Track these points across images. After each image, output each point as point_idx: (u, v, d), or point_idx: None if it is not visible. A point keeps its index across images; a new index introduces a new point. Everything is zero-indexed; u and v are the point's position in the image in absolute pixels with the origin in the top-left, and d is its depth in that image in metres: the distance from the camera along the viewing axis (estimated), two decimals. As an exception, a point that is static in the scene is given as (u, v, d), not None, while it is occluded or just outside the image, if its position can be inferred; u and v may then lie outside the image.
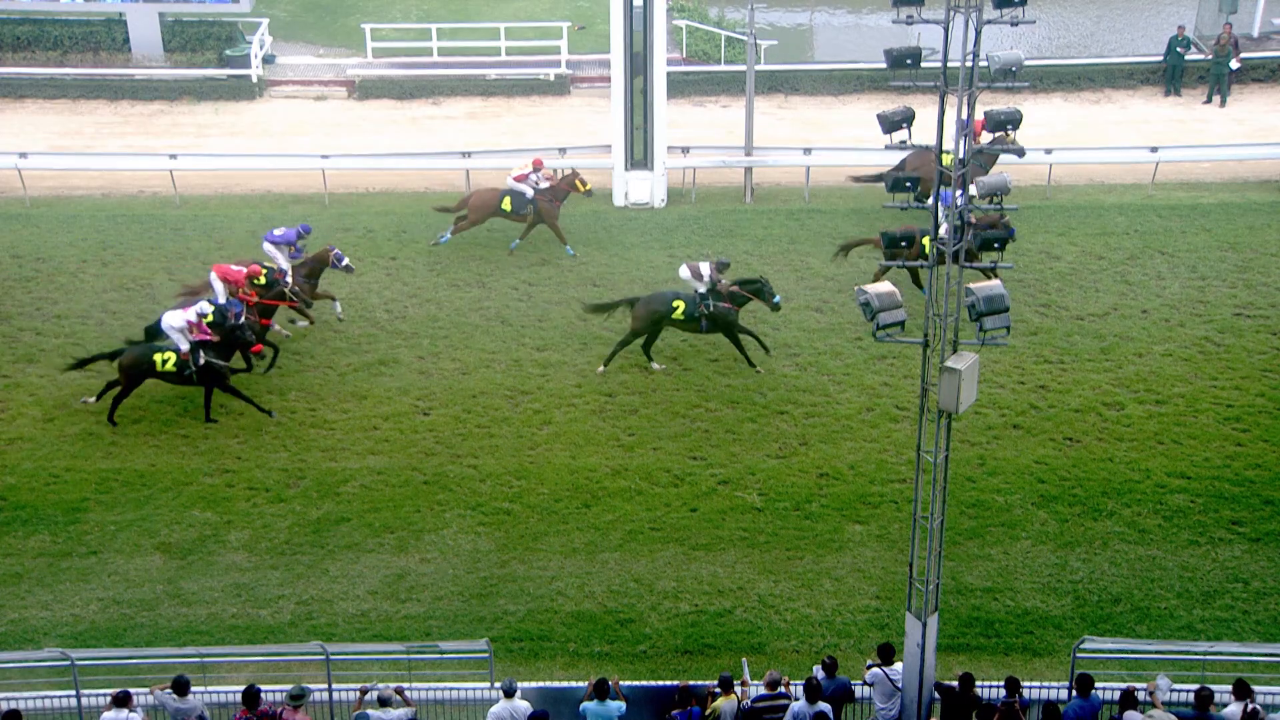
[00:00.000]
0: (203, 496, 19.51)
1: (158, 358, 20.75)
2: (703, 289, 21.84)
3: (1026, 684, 15.20)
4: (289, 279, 22.68)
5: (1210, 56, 32.25)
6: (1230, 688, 14.50)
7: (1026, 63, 13.85)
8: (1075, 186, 28.40)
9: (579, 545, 18.54)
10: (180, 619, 17.36)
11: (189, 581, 17.98)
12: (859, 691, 15.23)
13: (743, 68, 29.96)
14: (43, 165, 28.66)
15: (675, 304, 21.74)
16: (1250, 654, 15.85)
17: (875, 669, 15.04)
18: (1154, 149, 28.37)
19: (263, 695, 14.52)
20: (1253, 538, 18.44)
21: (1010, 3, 12.84)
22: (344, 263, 23.39)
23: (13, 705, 15.18)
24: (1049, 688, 15.51)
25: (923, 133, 13.59)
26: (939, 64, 13.02)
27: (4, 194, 28.47)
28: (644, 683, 15.97)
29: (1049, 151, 27.77)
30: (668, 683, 15.78)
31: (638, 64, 26.94)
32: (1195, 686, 14.55)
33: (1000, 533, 18.63)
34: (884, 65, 13.56)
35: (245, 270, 22.14)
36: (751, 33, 28.62)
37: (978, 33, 12.85)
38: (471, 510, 19.19)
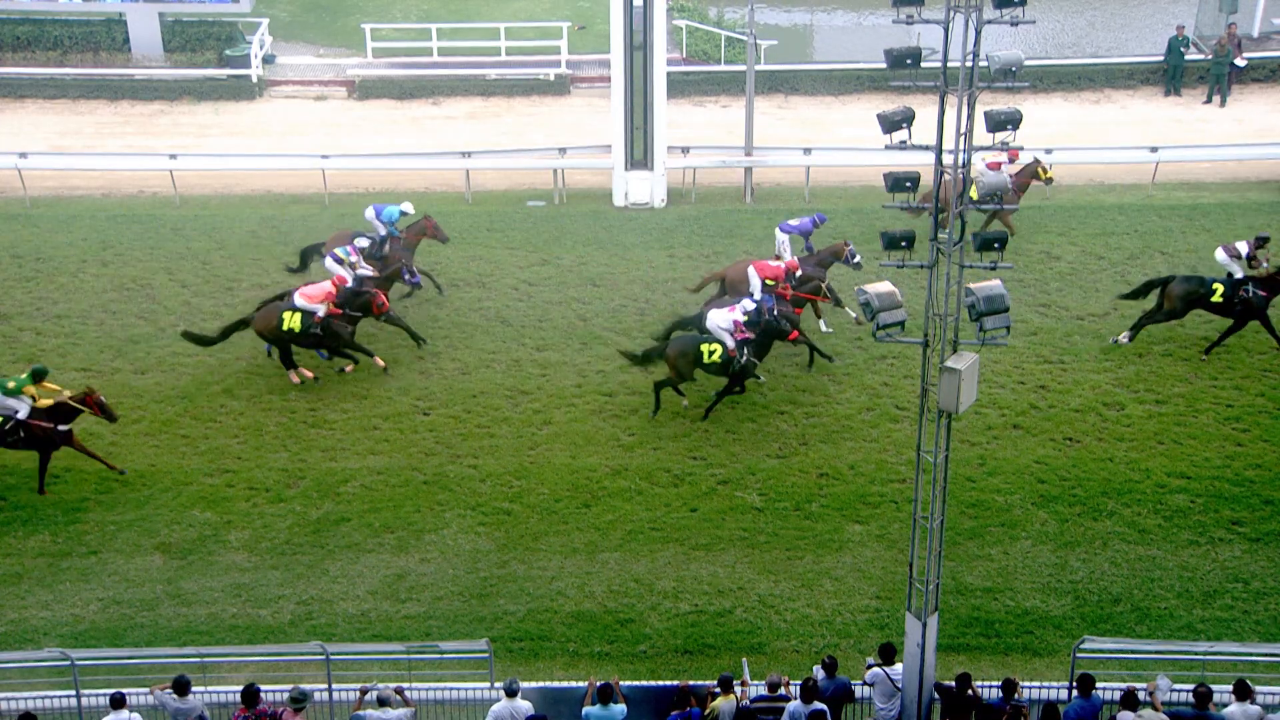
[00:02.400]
0: (203, 496, 19.51)
1: (704, 348, 20.67)
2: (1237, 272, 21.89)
3: (1026, 684, 15.22)
4: (798, 271, 22.52)
5: (1210, 56, 32.25)
6: (1230, 688, 14.50)
7: (1026, 63, 13.84)
8: (1075, 186, 28.40)
9: (579, 545, 18.54)
10: (180, 619, 17.35)
11: (189, 581, 17.98)
12: (859, 691, 15.23)
13: (743, 68, 29.96)
14: (43, 165, 28.67)
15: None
16: (1250, 654, 15.85)
17: (876, 669, 15.04)
18: (1154, 149, 28.38)
19: (263, 695, 14.53)
20: (1253, 538, 18.44)
21: (1010, 3, 12.85)
22: (856, 259, 23.22)
23: (13, 705, 15.19)
24: (1049, 688, 15.53)
25: (922, 133, 13.59)
26: (939, 64, 13.02)
27: (4, 194, 28.47)
28: (644, 683, 15.98)
29: (1049, 151, 27.75)
30: (668, 683, 15.79)
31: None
32: (1194, 685, 14.54)
33: (1000, 533, 18.63)
34: (884, 65, 13.56)
35: (784, 265, 22.16)
36: (751, 33, 28.63)
37: (978, 33, 12.85)
38: (471, 510, 19.19)
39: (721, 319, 20.86)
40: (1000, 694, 14.69)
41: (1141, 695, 14.53)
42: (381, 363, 22.04)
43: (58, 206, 28.13)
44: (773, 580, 17.88)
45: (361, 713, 14.45)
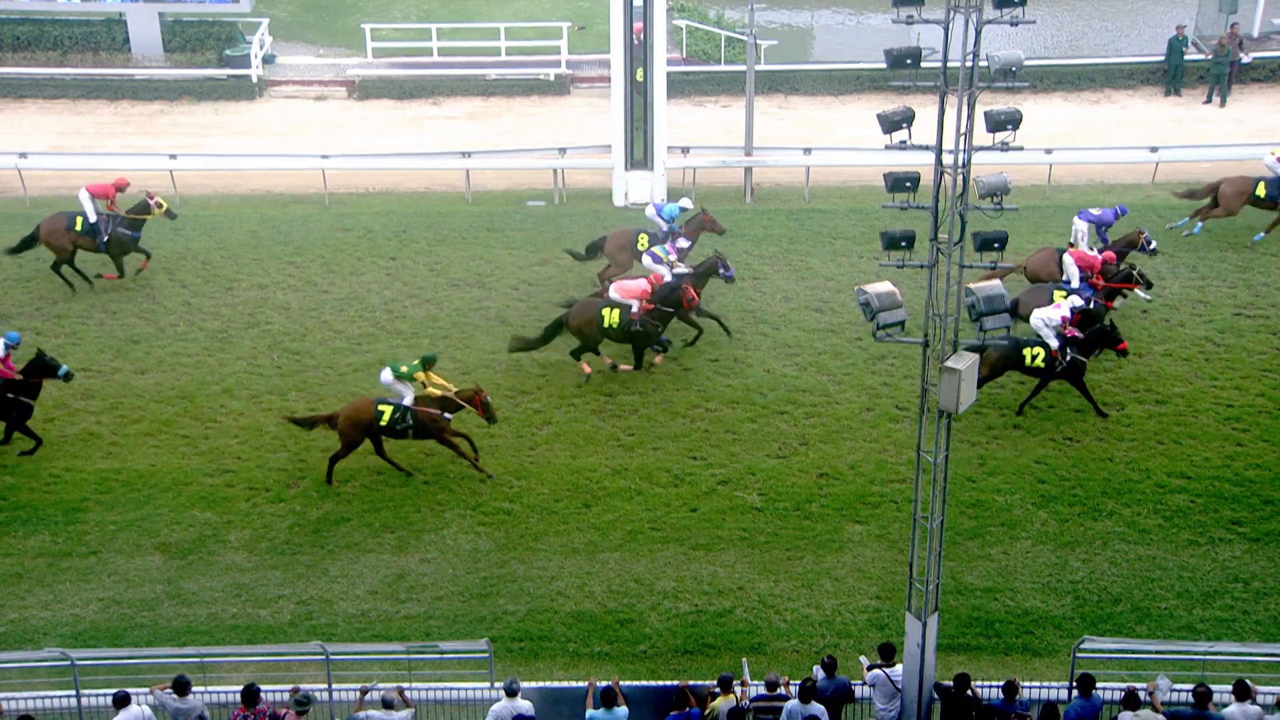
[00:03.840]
0: (203, 496, 19.51)
1: (1027, 353, 20.39)
2: None
3: (1026, 684, 15.21)
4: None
5: (1210, 56, 32.25)
6: (1230, 687, 14.50)
7: (1026, 63, 13.84)
8: (1075, 186, 28.40)
9: (579, 545, 18.54)
10: (180, 619, 17.35)
11: (189, 581, 17.98)
12: (859, 691, 15.23)
13: (743, 68, 29.96)
14: (43, 165, 28.65)
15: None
16: (1250, 654, 15.86)
17: (876, 670, 15.04)
18: (1154, 149, 28.37)
19: (263, 695, 14.53)
20: (1253, 538, 18.44)
21: (1010, 3, 12.85)
22: (1153, 245, 23.16)
23: (13, 705, 15.19)
24: (1049, 688, 15.53)
25: (922, 133, 13.59)
26: (939, 64, 13.02)
27: (4, 194, 28.47)
28: (644, 683, 15.99)
29: (1049, 151, 27.77)
30: (668, 683, 15.79)
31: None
32: (1194, 685, 14.55)
33: (1000, 533, 18.63)
34: (884, 65, 13.56)
35: (1101, 257, 22.09)
36: (751, 33, 28.63)
37: (978, 33, 12.85)
38: (471, 510, 19.19)
39: (1049, 316, 20.48)
40: (1001, 695, 14.70)
41: (1141, 695, 14.54)
42: (658, 360, 22.09)
43: (58, 206, 28.03)
44: (773, 580, 17.88)
45: (363, 714, 14.45)
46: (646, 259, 23.14)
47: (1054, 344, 20.38)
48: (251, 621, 17.31)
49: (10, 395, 19.88)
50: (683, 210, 24.58)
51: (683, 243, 23.75)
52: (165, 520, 19.06)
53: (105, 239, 24.42)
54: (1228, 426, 20.60)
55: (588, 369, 21.88)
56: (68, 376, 20.37)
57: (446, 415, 19.60)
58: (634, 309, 21.65)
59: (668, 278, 22.54)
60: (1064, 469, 19.77)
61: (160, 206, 24.74)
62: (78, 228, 24.38)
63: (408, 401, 19.56)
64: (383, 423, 19.51)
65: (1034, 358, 20.42)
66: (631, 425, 20.82)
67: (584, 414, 21.10)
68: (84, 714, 15.33)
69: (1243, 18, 33.40)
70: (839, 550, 18.37)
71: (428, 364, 19.83)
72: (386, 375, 19.77)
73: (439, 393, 19.65)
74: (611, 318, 21.65)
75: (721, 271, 23.00)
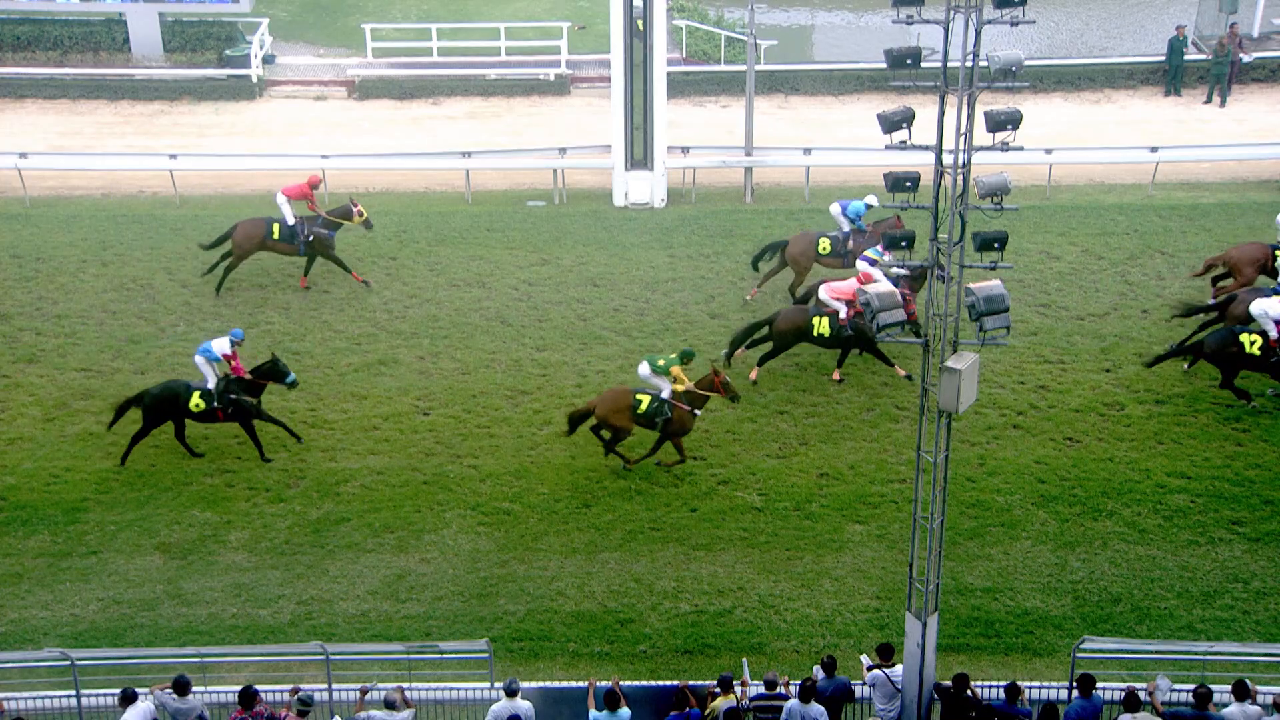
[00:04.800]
0: (203, 496, 19.51)
1: (1245, 339, 20.39)
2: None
3: (1026, 684, 15.20)
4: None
5: (1210, 56, 32.25)
6: (1230, 687, 14.50)
7: (1026, 63, 13.84)
8: (1075, 186, 28.40)
9: (579, 545, 18.54)
10: (180, 619, 17.35)
11: (189, 581, 17.98)
12: (859, 691, 15.23)
13: (743, 68, 29.96)
14: (43, 165, 28.66)
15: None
16: (1250, 654, 15.86)
17: (876, 670, 15.03)
18: (1154, 149, 28.37)
19: (262, 696, 14.53)
20: (1253, 538, 18.44)
21: (1010, 3, 12.85)
22: None
23: (13, 705, 15.19)
24: (1049, 688, 15.53)
25: (922, 133, 13.59)
26: (939, 64, 13.03)
27: (4, 194, 28.47)
28: (644, 683, 15.99)
29: (1049, 151, 27.77)
30: (668, 683, 15.79)
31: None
32: (1195, 686, 14.55)
33: (1000, 533, 18.63)
34: (884, 65, 13.57)
35: None
36: (751, 33, 28.62)
37: (978, 33, 12.85)
38: (471, 510, 19.19)
39: (1271, 307, 20.36)
40: (1003, 695, 14.69)
41: (1141, 695, 14.54)
42: (903, 371, 21.76)
43: (58, 206, 28.13)
44: (773, 580, 17.88)
45: (364, 714, 14.44)
46: (860, 262, 22.50)
47: (1274, 334, 20.35)
48: (251, 621, 17.31)
49: (233, 396, 19.95)
50: (868, 208, 23.98)
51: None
52: (165, 520, 19.06)
53: (306, 239, 24.35)
54: (1228, 426, 20.59)
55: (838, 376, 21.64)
56: (293, 384, 20.44)
57: (695, 412, 19.55)
58: (842, 314, 21.31)
59: (880, 280, 21.69)
60: (1064, 469, 19.77)
61: (361, 215, 24.63)
62: (275, 234, 24.35)
63: (665, 395, 19.48)
64: (639, 411, 19.45)
65: (1252, 344, 20.47)
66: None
67: (584, 414, 21.10)
68: (84, 714, 15.33)
69: (1243, 18, 33.41)
70: (839, 550, 18.37)
71: (686, 358, 19.75)
72: (645, 369, 19.67)
73: (682, 388, 19.51)
74: (821, 326, 21.32)
75: (938, 274, 22.44)
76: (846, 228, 23.93)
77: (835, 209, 24.26)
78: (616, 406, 19.61)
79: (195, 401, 19.85)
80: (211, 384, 19.99)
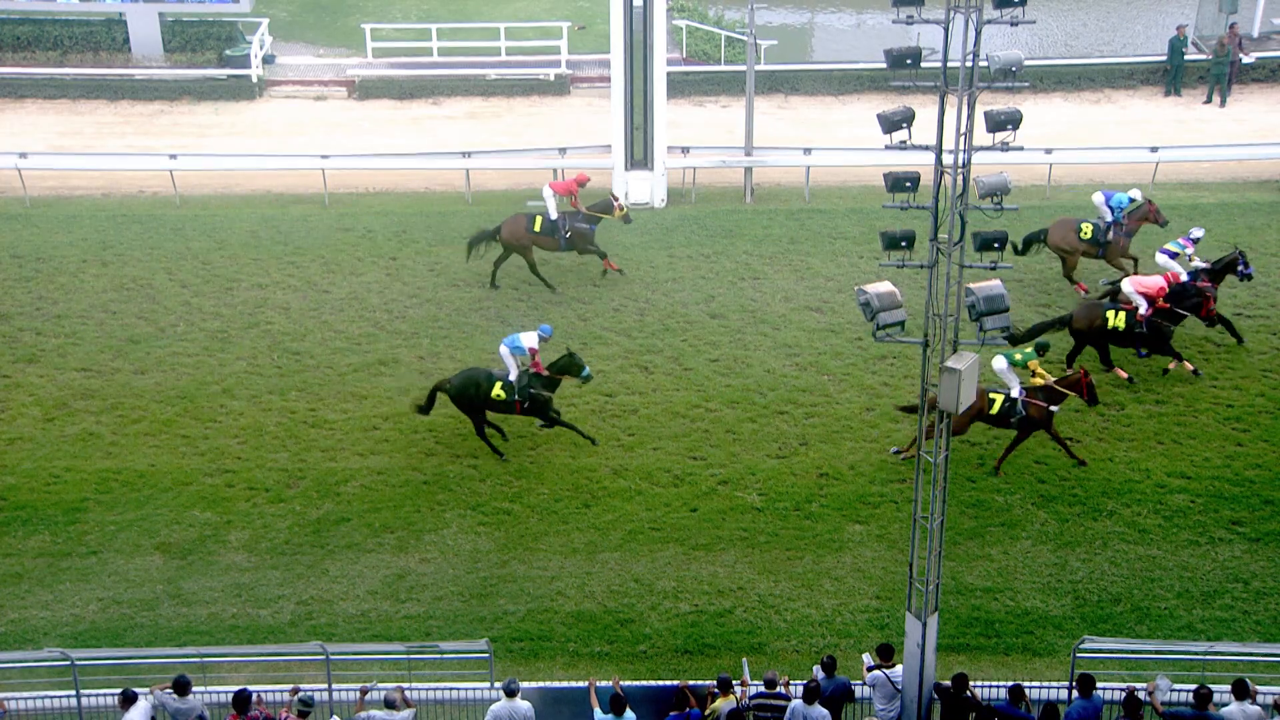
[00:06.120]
0: (203, 496, 19.51)
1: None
2: None
3: (1026, 684, 15.19)
4: None
5: (1210, 56, 32.25)
6: (1229, 687, 14.49)
7: (1026, 63, 13.84)
8: (1075, 186, 28.37)
9: (579, 545, 18.54)
10: (180, 619, 17.36)
11: (189, 581, 17.98)
12: (859, 691, 15.23)
13: (743, 68, 29.95)
14: (43, 165, 28.65)
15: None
16: (1250, 654, 15.86)
17: (876, 671, 15.03)
18: (1154, 149, 28.37)
19: (261, 697, 14.53)
20: (1253, 538, 18.44)
21: (1010, 3, 12.85)
22: None
23: (14, 705, 15.19)
24: (1049, 688, 15.52)
25: (922, 133, 13.59)
26: (939, 64, 13.02)
27: (4, 194, 28.47)
28: (644, 683, 15.99)
29: (1049, 151, 27.76)
30: (668, 683, 15.79)
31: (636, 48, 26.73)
32: (1195, 686, 14.54)
33: (1000, 533, 18.63)
34: (884, 65, 13.56)
35: None
36: (751, 33, 28.62)
37: (978, 33, 12.85)
38: (471, 510, 19.19)
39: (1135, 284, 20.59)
40: (1005, 696, 14.69)
41: (1141, 695, 14.53)
42: (1191, 366, 21.67)
43: (58, 206, 28.13)
44: (773, 580, 17.88)
45: (365, 714, 14.44)
46: (1160, 256, 22.43)
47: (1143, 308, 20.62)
48: (251, 621, 17.31)
49: (532, 390, 19.96)
50: (1132, 201, 23.96)
51: (1196, 232, 22.92)
52: (165, 520, 19.06)
53: (567, 235, 24.45)
54: (1228, 426, 20.60)
55: (1124, 373, 21.48)
56: (588, 379, 20.45)
57: (1052, 408, 19.44)
58: (1141, 309, 21.18)
59: (1184, 277, 21.80)
60: (1064, 469, 19.77)
61: (621, 209, 24.71)
62: (536, 227, 24.43)
63: (1015, 393, 19.39)
64: (992, 412, 19.36)
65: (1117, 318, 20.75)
66: (631, 425, 20.81)
67: (584, 414, 21.09)
68: (84, 714, 15.33)
69: (1243, 18, 33.39)
70: (839, 550, 18.37)
71: (1041, 350, 19.63)
72: (1000, 363, 19.54)
73: (1041, 382, 19.39)
74: (1116, 320, 21.23)
75: (1241, 269, 22.24)
76: (1109, 217, 23.82)
77: (1098, 198, 24.14)
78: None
79: (497, 391, 19.90)
80: (514, 376, 19.98)
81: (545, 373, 20.16)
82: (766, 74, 32.26)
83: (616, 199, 24.97)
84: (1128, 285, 21.63)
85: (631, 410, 21.18)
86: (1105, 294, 22.60)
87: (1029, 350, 19.58)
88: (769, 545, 18.49)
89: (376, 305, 24.19)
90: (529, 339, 20.11)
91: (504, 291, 24.54)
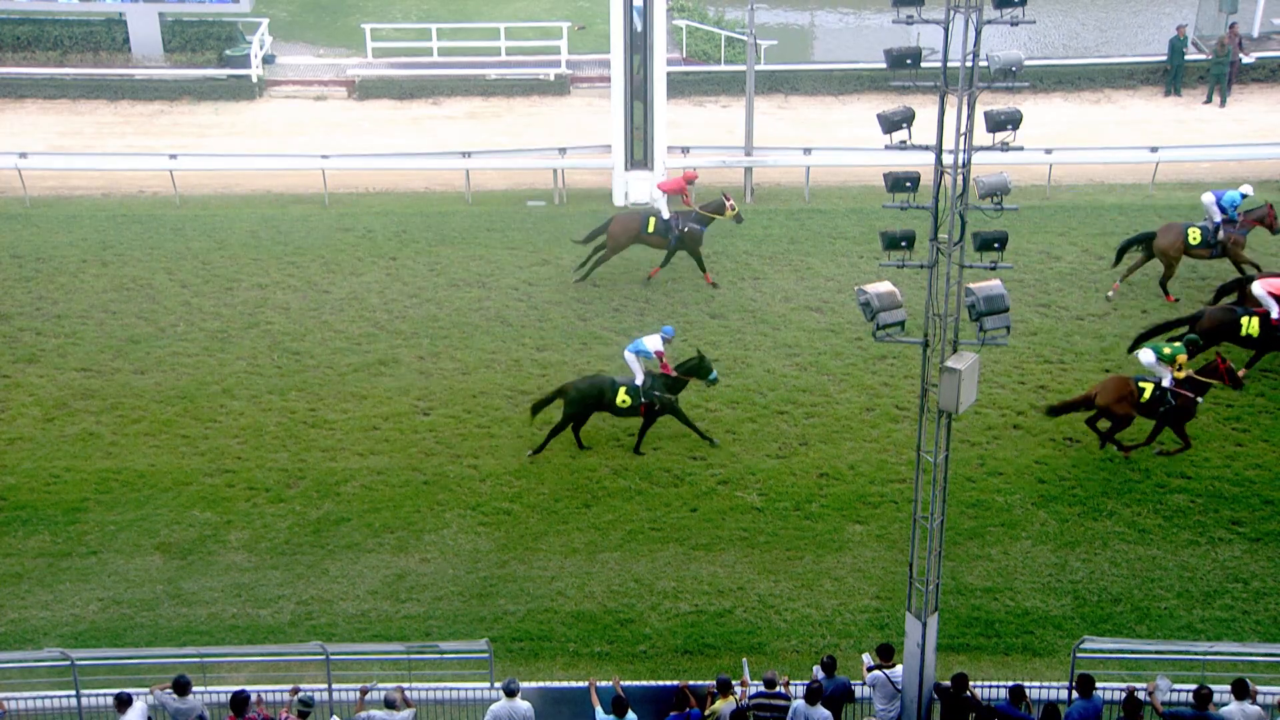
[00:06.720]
0: (203, 496, 19.51)
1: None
2: None
3: (1026, 684, 15.18)
4: None
5: (1210, 56, 32.26)
6: (1229, 687, 14.49)
7: (1026, 63, 13.84)
8: (1075, 186, 28.41)
9: (579, 545, 18.54)
10: (180, 619, 17.36)
11: (189, 581, 17.98)
12: (859, 691, 15.23)
13: (743, 68, 29.96)
14: (43, 165, 28.67)
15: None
16: (1250, 654, 15.85)
17: (876, 671, 15.03)
18: (1154, 149, 28.37)
19: (261, 697, 14.52)
20: (1253, 538, 18.44)
21: (1010, 3, 12.84)
22: None
23: (13, 706, 15.19)
24: (1049, 688, 15.52)
25: (922, 133, 13.59)
26: (939, 64, 13.02)
27: (4, 194, 28.47)
28: (644, 683, 15.99)
29: (1049, 151, 27.76)
30: (668, 683, 15.79)
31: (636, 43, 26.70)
32: (1195, 686, 14.54)
33: (1000, 533, 18.63)
34: (884, 65, 13.56)
35: None
36: (751, 33, 28.63)
37: (978, 33, 12.85)
38: (471, 510, 19.19)
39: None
40: (1005, 696, 14.68)
41: (1141, 695, 14.53)
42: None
43: (58, 206, 28.14)
44: (773, 580, 17.88)
45: (365, 714, 14.44)
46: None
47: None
48: (251, 621, 17.31)
49: (658, 393, 20.02)
50: (1244, 197, 23.70)
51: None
52: (165, 520, 19.06)
53: (678, 234, 24.42)
54: (1228, 426, 20.59)
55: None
56: (714, 382, 20.49)
57: (1198, 399, 19.45)
58: (1274, 313, 21.01)
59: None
60: (1064, 469, 19.77)
61: (733, 209, 24.66)
62: (650, 228, 24.41)
63: (1166, 383, 19.41)
64: (1143, 400, 19.45)
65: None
66: (631, 425, 20.80)
67: (584, 414, 21.09)
68: (84, 714, 15.33)
69: (1243, 18, 33.40)
70: (839, 550, 18.37)
71: (1191, 347, 19.63)
72: (1148, 356, 19.58)
73: (1183, 374, 19.41)
74: (1251, 326, 21.04)
75: None
76: (1218, 218, 23.60)
77: (1208, 199, 23.89)
78: (1119, 395, 19.58)
79: (622, 398, 19.94)
80: (640, 380, 20.02)
81: (673, 374, 20.21)
82: (766, 74, 32.27)
83: (728, 198, 24.87)
84: (1258, 287, 21.26)
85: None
86: (1222, 292, 22.16)
87: (1178, 345, 19.65)
88: (769, 545, 18.49)
89: (376, 305, 24.19)
90: (653, 342, 20.19)
91: (504, 292, 24.54)
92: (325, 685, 15.38)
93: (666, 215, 24.45)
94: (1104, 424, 19.93)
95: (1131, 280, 24.31)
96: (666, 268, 24.87)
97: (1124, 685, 14.83)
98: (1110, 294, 23.89)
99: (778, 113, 32.04)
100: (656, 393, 20.03)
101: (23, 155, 28.49)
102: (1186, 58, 32.45)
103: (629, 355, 20.21)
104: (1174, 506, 19.01)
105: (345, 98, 33.42)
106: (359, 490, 19.60)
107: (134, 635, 17.04)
